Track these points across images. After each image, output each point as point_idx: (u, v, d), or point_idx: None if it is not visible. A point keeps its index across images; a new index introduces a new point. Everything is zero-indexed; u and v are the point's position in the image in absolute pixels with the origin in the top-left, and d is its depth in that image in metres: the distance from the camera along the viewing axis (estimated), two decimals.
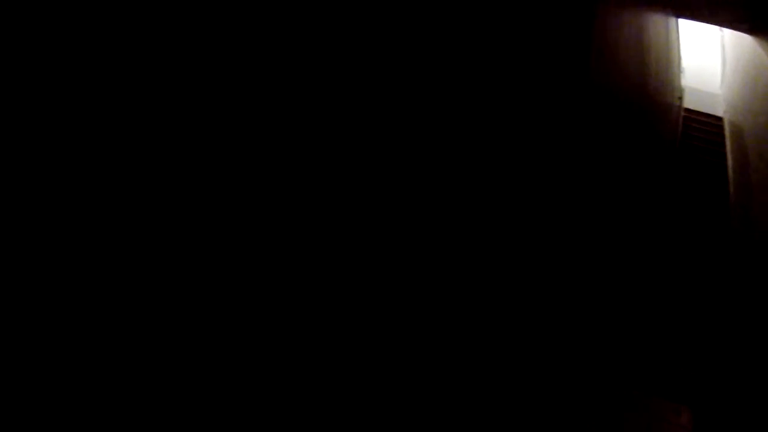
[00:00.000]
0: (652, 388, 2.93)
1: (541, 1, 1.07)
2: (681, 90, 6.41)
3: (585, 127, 1.29)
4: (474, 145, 1.03)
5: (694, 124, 5.49)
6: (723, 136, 4.78)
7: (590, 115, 1.32)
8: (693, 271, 3.94)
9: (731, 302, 3.15)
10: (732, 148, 4.47)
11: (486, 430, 1.31)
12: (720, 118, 5.09)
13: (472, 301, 1.17)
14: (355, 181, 0.95)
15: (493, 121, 1.05)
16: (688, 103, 6.56)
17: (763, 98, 3.70)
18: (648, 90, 3.08)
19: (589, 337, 3.33)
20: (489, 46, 1.01)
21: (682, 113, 5.74)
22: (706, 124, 5.46)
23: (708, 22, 3.79)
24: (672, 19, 3.93)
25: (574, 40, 1.17)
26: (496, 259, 1.16)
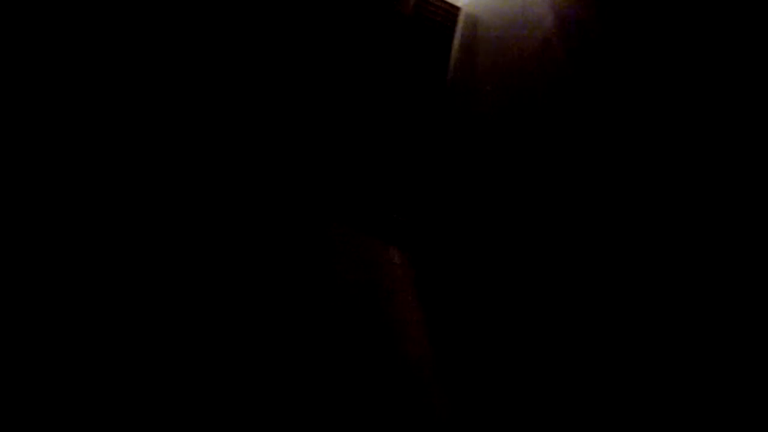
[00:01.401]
0: (366, 231, 3.03)
1: None
2: None
3: None
4: None
5: (430, 7, 5.72)
6: (455, 23, 5.17)
7: None
8: (407, 131, 4.25)
9: (442, 162, 3.50)
10: (461, 34, 4.87)
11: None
12: (458, 8, 5.47)
13: None
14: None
15: None
16: None
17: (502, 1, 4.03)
18: None
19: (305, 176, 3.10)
20: None
21: None
22: (441, 9, 5.76)
23: None
24: None
25: None
26: None
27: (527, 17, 3.51)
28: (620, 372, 1.19)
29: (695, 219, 1.17)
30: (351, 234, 2.85)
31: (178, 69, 2.33)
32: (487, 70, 3.72)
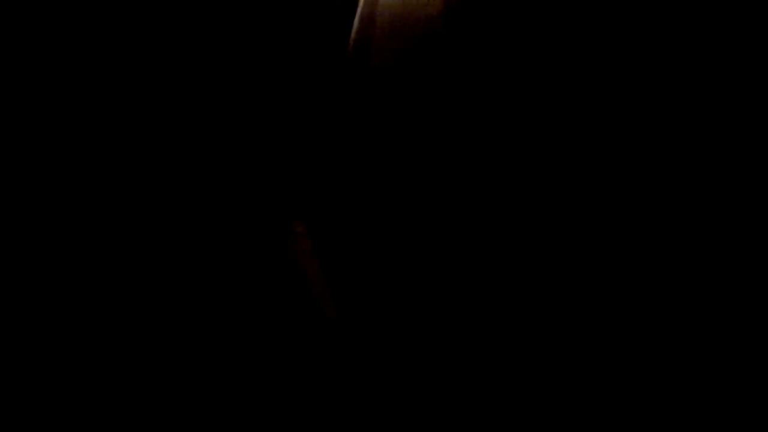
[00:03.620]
0: (267, 205, 3.01)
1: None
2: None
3: None
4: None
5: None
6: (357, 3, 5.20)
7: None
8: (305, 104, 4.25)
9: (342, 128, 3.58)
10: (361, 11, 4.93)
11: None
12: None
13: None
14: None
15: None
16: None
17: None
18: None
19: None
20: None
21: None
22: None
23: None
24: None
25: None
26: None
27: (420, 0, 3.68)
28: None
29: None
30: (250, 210, 2.82)
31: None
32: (383, 46, 3.85)
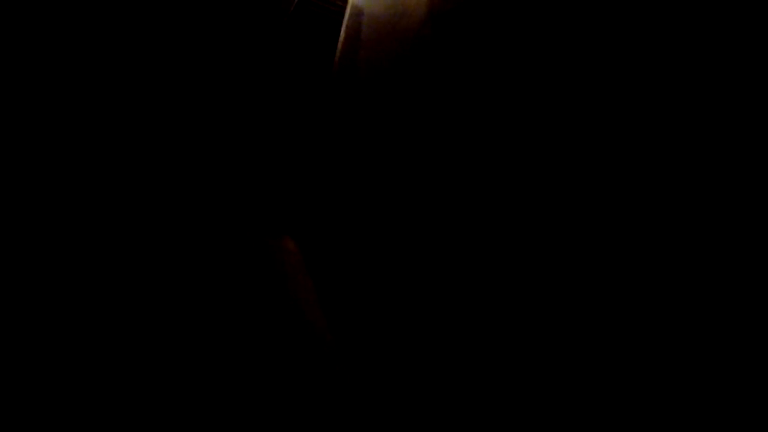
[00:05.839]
0: (256, 223, 2.94)
1: None
2: None
3: None
4: None
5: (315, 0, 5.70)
6: (343, 14, 5.22)
7: None
8: (292, 119, 4.20)
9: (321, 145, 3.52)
10: (347, 25, 4.93)
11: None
12: (346, 1, 5.51)
13: None
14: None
15: None
16: None
17: None
18: None
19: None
20: None
21: None
22: (329, 2, 5.78)
23: None
24: None
25: None
26: None
27: (405, 7, 3.66)
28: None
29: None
30: (238, 226, 2.74)
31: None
32: (370, 55, 3.83)
